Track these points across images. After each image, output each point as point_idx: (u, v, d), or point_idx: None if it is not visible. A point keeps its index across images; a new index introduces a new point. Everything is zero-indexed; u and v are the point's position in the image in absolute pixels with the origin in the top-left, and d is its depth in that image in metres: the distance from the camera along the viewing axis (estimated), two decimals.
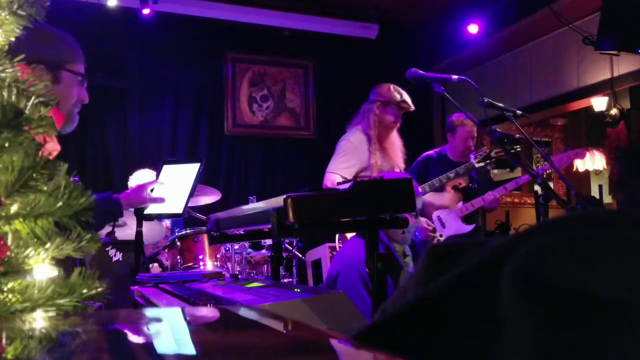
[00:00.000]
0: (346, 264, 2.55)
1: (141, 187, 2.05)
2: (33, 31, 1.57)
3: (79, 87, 1.64)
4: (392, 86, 3.23)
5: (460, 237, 3.57)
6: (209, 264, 3.51)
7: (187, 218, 4.02)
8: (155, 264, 3.58)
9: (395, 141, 3.22)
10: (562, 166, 3.37)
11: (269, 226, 1.37)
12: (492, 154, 3.26)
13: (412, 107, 3.26)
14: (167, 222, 4.08)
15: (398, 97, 3.19)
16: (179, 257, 3.48)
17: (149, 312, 1.22)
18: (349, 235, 2.93)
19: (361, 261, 2.47)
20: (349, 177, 3.00)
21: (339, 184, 2.83)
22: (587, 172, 6.66)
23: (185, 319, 0.69)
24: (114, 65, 5.27)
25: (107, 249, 2.94)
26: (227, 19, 5.67)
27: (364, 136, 3.14)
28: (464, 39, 5.89)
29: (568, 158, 3.35)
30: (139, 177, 4.05)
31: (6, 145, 0.87)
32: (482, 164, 3.31)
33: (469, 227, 3.59)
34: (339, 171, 3.03)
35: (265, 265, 3.96)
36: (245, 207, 1.75)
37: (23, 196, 0.87)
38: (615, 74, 5.06)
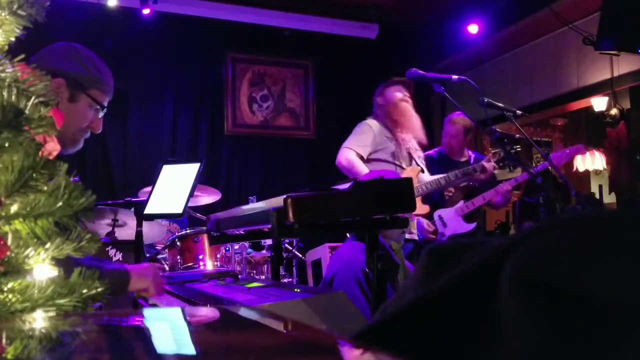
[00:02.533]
0: (341, 267, 2.56)
1: (154, 270, 1.67)
2: (72, 50, 1.60)
3: (94, 115, 1.65)
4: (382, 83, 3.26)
5: (462, 236, 3.57)
6: (209, 264, 3.51)
7: (188, 218, 4.02)
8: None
9: (408, 119, 3.13)
10: (562, 162, 3.36)
11: (269, 226, 1.37)
12: (512, 151, 3.18)
13: (406, 79, 3.16)
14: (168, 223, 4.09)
15: (395, 78, 3.20)
16: (179, 257, 3.48)
17: (149, 312, 1.22)
18: None
19: (356, 263, 2.47)
20: (364, 155, 3.01)
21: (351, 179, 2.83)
22: (587, 172, 6.66)
23: (185, 319, 0.69)
24: (114, 65, 5.26)
25: (107, 249, 2.94)
26: (227, 19, 5.67)
27: (381, 124, 3.12)
28: (464, 39, 5.89)
29: (568, 155, 3.34)
30: None
31: (6, 145, 0.87)
32: (502, 164, 3.29)
33: (470, 226, 3.59)
34: (355, 147, 3.02)
35: (265, 265, 3.96)
36: (245, 207, 1.75)
37: (23, 196, 0.87)
38: (615, 74, 5.06)
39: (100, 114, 1.67)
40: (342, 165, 3.00)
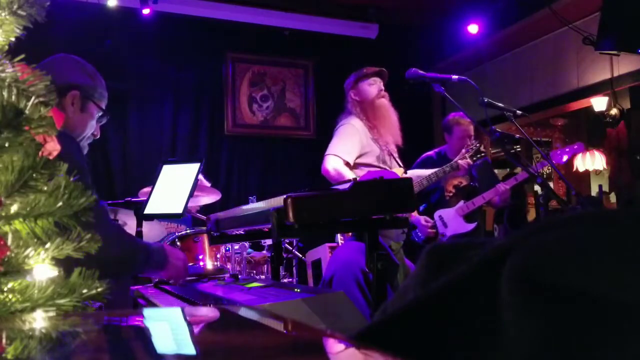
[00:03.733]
0: (340, 267, 2.55)
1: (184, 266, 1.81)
2: (80, 64, 1.75)
3: (97, 122, 1.80)
4: (353, 73, 3.09)
5: (462, 236, 3.56)
6: (209, 264, 3.51)
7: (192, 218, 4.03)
8: None
9: (387, 119, 2.97)
10: (562, 161, 3.35)
11: (269, 226, 1.37)
12: (482, 148, 3.21)
13: (382, 69, 3.04)
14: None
15: (364, 70, 3.03)
16: None
17: (149, 312, 1.22)
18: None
19: (355, 264, 2.46)
20: (351, 161, 2.83)
21: (339, 180, 2.76)
22: (587, 172, 6.66)
23: (185, 319, 0.69)
24: (114, 65, 5.28)
25: None
26: (227, 19, 5.67)
27: (364, 124, 2.94)
28: (464, 39, 5.89)
29: (568, 153, 3.34)
30: None
31: (6, 145, 0.87)
32: (475, 158, 3.25)
33: (470, 226, 3.59)
34: (341, 154, 2.83)
35: (265, 265, 3.96)
36: (245, 207, 1.75)
37: (23, 196, 0.87)
38: (615, 74, 5.06)
39: (104, 120, 1.83)
40: (330, 175, 2.79)
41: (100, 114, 1.79)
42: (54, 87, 1.54)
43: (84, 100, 1.72)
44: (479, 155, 3.18)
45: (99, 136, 1.85)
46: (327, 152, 2.89)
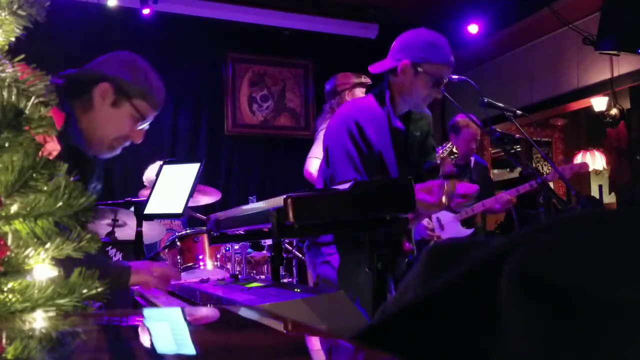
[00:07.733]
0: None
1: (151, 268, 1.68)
2: (130, 60, 1.65)
3: (134, 125, 1.65)
4: (343, 73, 3.22)
5: None
6: (209, 264, 3.51)
7: (188, 218, 4.03)
8: None
9: None
10: (567, 177, 3.35)
11: (269, 226, 1.37)
12: (454, 149, 3.22)
13: (370, 81, 3.23)
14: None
15: (358, 77, 3.19)
16: (179, 257, 3.48)
17: (149, 312, 1.22)
18: None
19: None
20: None
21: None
22: (587, 172, 6.66)
23: (185, 319, 0.69)
24: None
25: (107, 249, 2.94)
26: (227, 19, 5.67)
27: None
28: (464, 39, 5.89)
29: (570, 170, 3.35)
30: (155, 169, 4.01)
31: (6, 145, 0.87)
32: (451, 158, 3.27)
33: (467, 232, 3.57)
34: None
35: (265, 265, 3.96)
36: (245, 207, 1.74)
37: (23, 196, 0.87)
38: (615, 74, 5.06)
39: (141, 126, 1.67)
40: (313, 178, 2.89)
41: (137, 117, 1.63)
42: (86, 76, 1.51)
43: (118, 96, 1.59)
44: (453, 156, 3.21)
45: (139, 142, 1.69)
46: (309, 156, 2.99)
